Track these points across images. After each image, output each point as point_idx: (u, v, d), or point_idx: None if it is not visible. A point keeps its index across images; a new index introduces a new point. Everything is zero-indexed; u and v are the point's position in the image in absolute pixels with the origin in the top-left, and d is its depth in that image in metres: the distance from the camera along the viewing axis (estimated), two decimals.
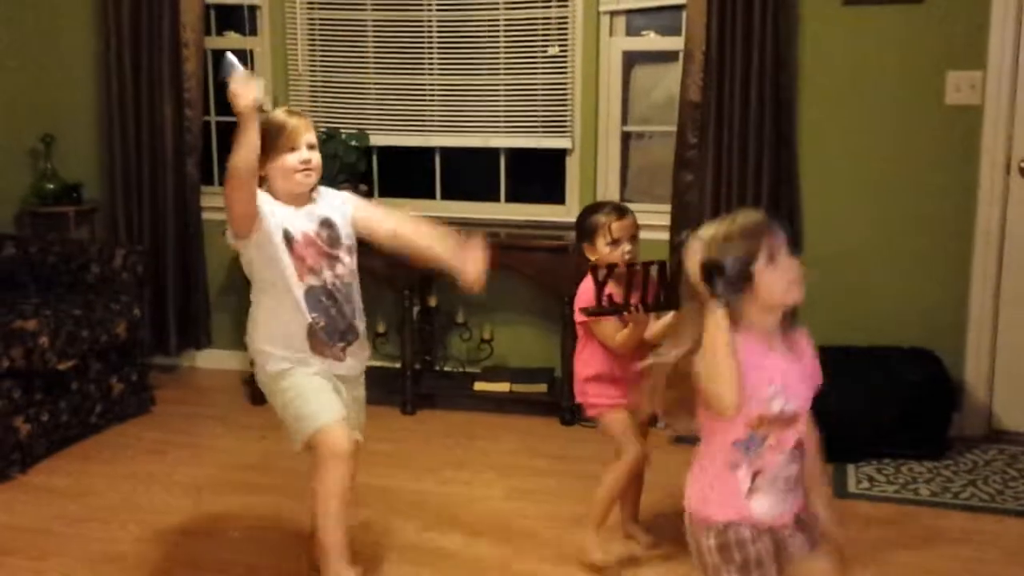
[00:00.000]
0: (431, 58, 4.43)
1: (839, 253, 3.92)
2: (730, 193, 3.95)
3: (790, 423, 1.93)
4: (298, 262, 2.52)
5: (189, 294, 4.67)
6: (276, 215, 2.52)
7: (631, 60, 4.28)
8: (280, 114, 2.61)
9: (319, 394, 2.55)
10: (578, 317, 2.74)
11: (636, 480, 2.94)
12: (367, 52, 4.49)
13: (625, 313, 2.49)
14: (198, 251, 4.65)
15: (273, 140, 2.51)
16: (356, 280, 2.66)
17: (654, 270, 2.31)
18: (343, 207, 2.66)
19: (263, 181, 2.54)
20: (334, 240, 2.59)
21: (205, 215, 4.59)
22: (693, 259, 1.88)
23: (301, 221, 2.54)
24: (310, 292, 2.54)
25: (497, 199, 4.54)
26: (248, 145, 2.38)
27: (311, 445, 2.53)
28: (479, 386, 4.26)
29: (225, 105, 5.25)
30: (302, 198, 2.59)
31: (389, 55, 4.47)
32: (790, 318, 1.95)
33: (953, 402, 3.79)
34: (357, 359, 2.68)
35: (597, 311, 2.46)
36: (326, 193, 2.67)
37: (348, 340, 2.62)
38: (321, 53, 4.55)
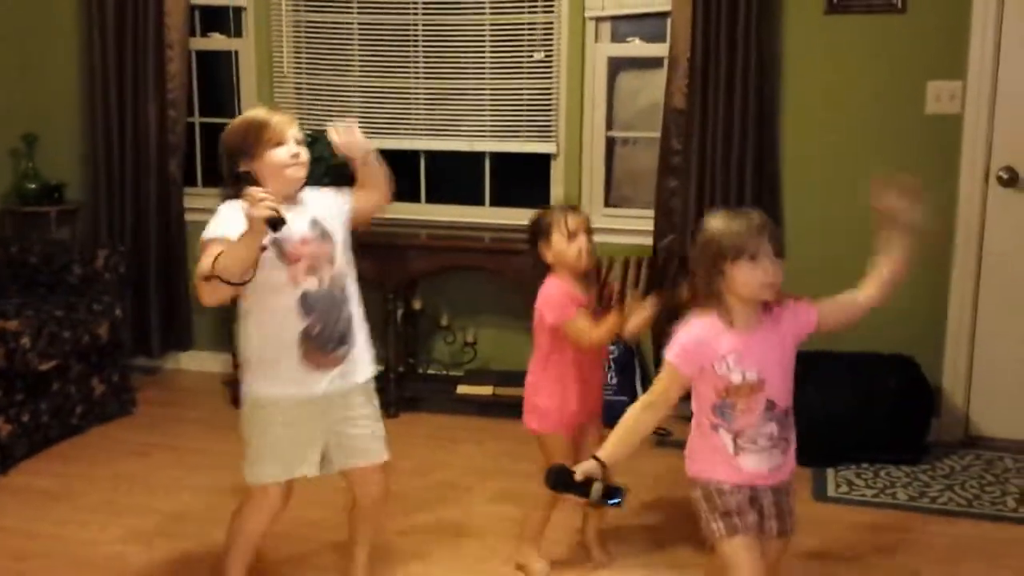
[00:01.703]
0: (416, 62, 4.44)
1: (820, 260, 3.92)
2: (713, 199, 3.97)
3: (756, 390, 2.15)
4: (293, 267, 2.42)
5: (171, 295, 4.65)
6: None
7: (616, 66, 4.31)
8: (261, 111, 2.52)
9: (281, 450, 2.51)
10: (550, 321, 2.70)
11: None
12: (352, 55, 4.49)
13: (622, 304, 2.63)
14: (181, 252, 4.63)
15: (258, 137, 2.42)
16: (353, 282, 2.59)
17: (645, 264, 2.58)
18: (338, 203, 2.60)
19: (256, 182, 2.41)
20: (325, 238, 2.51)
21: (188, 216, 4.57)
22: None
23: (296, 223, 2.42)
24: (305, 297, 2.44)
25: (482, 203, 4.56)
26: (241, 256, 2.24)
27: (249, 487, 2.59)
28: (462, 389, 4.28)
29: (209, 106, 5.17)
30: (291, 198, 2.48)
31: (375, 58, 4.48)
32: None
33: (931, 408, 3.84)
34: (352, 368, 2.55)
35: (602, 308, 2.62)
36: (311, 194, 2.59)
37: (347, 344, 2.52)
38: (307, 55, 4.55)
